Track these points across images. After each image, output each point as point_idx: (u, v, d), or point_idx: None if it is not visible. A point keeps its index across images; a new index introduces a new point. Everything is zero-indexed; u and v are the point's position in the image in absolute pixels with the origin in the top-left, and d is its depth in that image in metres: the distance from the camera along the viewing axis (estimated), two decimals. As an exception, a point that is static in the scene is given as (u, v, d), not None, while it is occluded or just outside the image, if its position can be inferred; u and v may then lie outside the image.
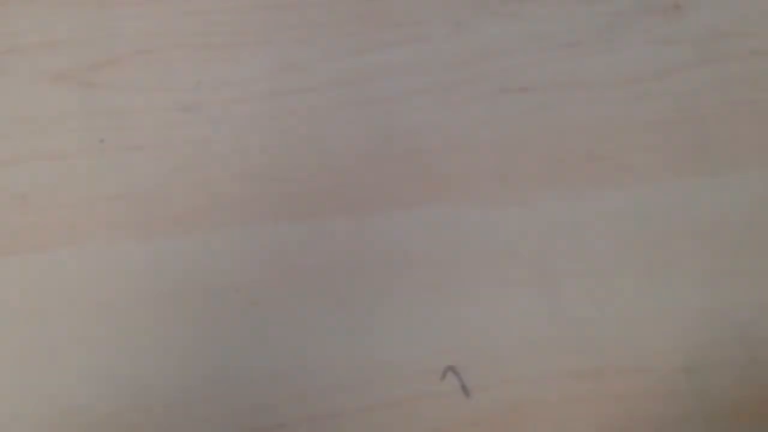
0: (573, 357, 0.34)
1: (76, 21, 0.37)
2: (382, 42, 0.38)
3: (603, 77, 0.38)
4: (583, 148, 0.37)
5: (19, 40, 0.37)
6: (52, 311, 0.34)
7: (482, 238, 0.35)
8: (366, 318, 0.34)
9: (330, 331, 0.34)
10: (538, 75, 0.38)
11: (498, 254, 0.35)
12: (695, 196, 0.36)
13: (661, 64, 0.38)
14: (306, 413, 0.33)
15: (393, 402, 0.33)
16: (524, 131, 0.37)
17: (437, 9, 0.38)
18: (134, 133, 0.36)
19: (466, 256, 0.35)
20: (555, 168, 0.36)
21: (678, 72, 0.38)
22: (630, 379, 0.34)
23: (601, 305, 0.35)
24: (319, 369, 0.34)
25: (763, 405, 0.34)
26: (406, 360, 0.34)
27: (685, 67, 0.38)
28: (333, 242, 0.35)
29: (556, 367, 0.34)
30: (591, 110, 0.37)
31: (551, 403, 0.34)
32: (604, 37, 0.38)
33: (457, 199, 0.36)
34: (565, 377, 0.34)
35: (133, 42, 0.37)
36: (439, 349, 0.34)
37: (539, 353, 0.34)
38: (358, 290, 0.35)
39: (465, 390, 0.33)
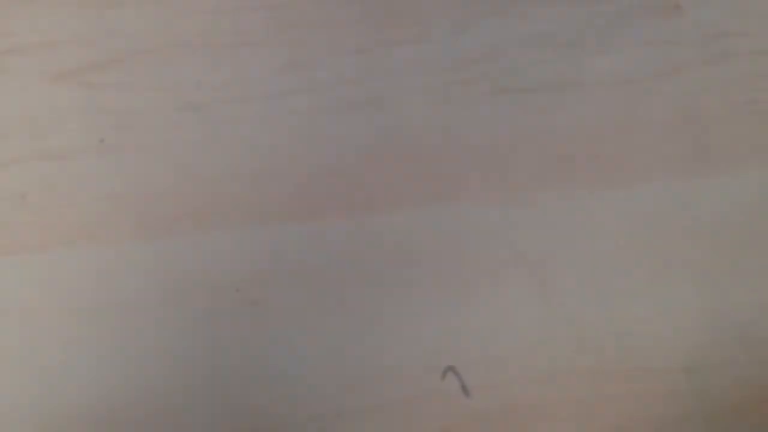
0: (573, 357, 0.34)
1: (76, 21, 0.37)
2: (382, 42, 0.38)
3: (603, 77, 0.38)
4: (583, 148, 0.37)
5: (19, 40, 0.37)
6: (52, 311, 0.34)
7: (482, 238, 0.35)
8: (366, 318, 0.34)
9: (330, 331, 0.34)
10: (538, 75, 0.38)
11: (498, 254, 0.35)
12: (695, 196, 0.36)
13: (661, 64, 0.38)
14: (306, 413, 0.33)
15: (393, 402, 0.33)
16: (524, 131, 0.37)
17: (437, 9, 0.38)
18: (134, 133, 0.36)
19: (466, 256, 0.35)
20: (555, 168, 0.36)
21: (678, 72, 0.38)
22: (630, 379, 0.34)
23: (601, 305, 0.35)
24: (319, 369, 0.34)
25: (763, 405, 0.34)
26: (406, 360, 0.34)
27: (685, 67, 0.38)
28: (333, 242, 0.35)
29: (556, 367, 0.34)
30: (591, 110, 0.37)
31: (551, 403, 0.34)
32: (604, 37, 0.38)
33: (458, 199, 0.36)
34: (565, 377, 0.34)
35: (133, 42, 0.37)
36: (439, 349, 0.34)
37: (539, 353, 0.34)
38: (358, 290, 0.35)
39: (465, 390, 0.33)
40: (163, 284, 0.34)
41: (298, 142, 0.36)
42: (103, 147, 0.36)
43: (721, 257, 0.36)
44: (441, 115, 0.37)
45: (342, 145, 0.36)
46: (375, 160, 0.36)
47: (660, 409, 0.34)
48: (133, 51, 0.37)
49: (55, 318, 0.34)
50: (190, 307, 0.34)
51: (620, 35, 0.38)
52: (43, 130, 0.36)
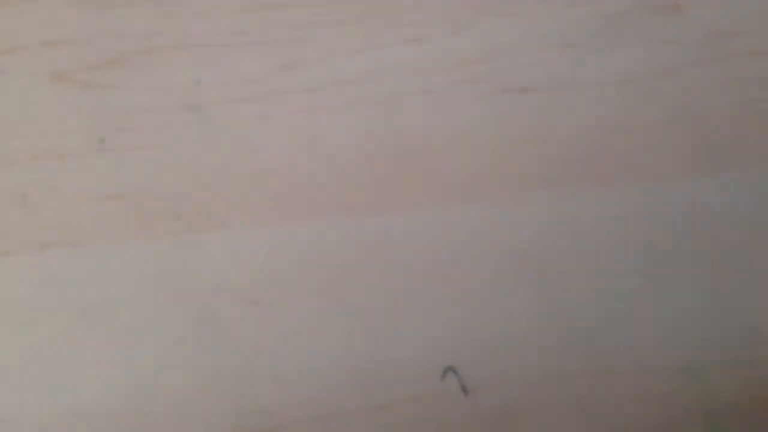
0: (573, 357, 0.34)
1: (76, 21, 0.37)
2: (382, 42, 0.38)
3: (603, 77, 0.38)
4: (583, 148, 0.37)
5: (19, 40, 0.37)
6: (52, 311, 0.34)
7: (482, 238, 0.35)
8: (366, 318, 0.34)
9: (330, 331, 0.34)
10: (538, 75, 0.38)
11: (498, 254, 0.35)
12: (695, 196, 0.36)
13: (661, 64, 0.38)
14: (306, 413, 0.33)
15: (393, 402, 0.33)
16: (524, 131, 0.37)
17: (437, 9, 0.38)
18: (134, 133, 0.36)
19: (466, 256, 0.35)
20: (555, 168, 0.36)
21: (678, 72, 0.38)
22: (630, 379, 0.34)
23: (601, 305, 0.35)
24: (319, 369, 0.34)
25: (763, 405, 0.34)
26: (406, 360, 0.34)
27: (685, 67, 0.38)
28: (333, 242, 0.35)
29: (556, 367, 0.34)
30: (591, 110, 0.37)
31: (551, 403, 0.34)
32: (604, 37, 0.38)
33: (457, 199, 0.36)
34: (565, 377, 0.34)
35: (133, 42, 0.37)
36: (439, 349, 0.34)
37: (539, 353, 0.34)
38: (359, 290, 0.34)
39: (465, 390, 0.33)
40: (163, 284, 0.34)
41: (298, 142, 0.36)
42: (103, 147, 0.36)
43: (722, 257, 0.36)
44: (441, 115, 0.37)
45: (342, 145, 0.36)
46: (375, 160, 0.36)
47: (660, 409, 0.34)
48: (133, 51, 0.37)
49: (55, 318, 0.34)
50: (189, 307, 0.34)
51: (620, 35, 0.38)
52: (43, 130, 0.36)
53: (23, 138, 0.36)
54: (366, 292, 0.34)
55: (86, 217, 0.35)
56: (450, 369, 0.34)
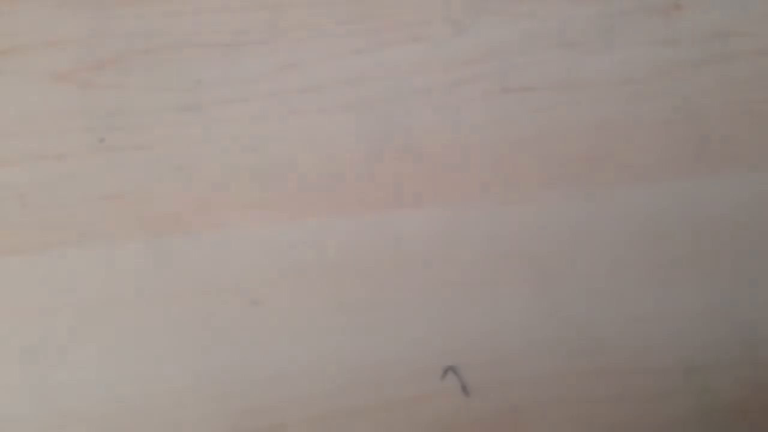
0: (573, 357, 0.34)
1: (76, 21, 0.37)
2: (382, 42, 0.38)
3: (603, 77, 0.38)
4: (583, 148, 0.37)
5: (19, 40, 0.37)
6: (52, 311, 0.34)
7: (482, 238, 0.35)
8: (366, 318, 0.34)
9: (330, 331, 0.34)
10: (538, 75, 0.38)
11: (498, 254, 0.35)
12: (695, 195, 0.36)
13: (661, 64, 0.38)
14: (306, 413, 0.33)
15: (393, 402, 0.33)
16: (524, 131, 0.37)
17: (437, 9, 0.38)
18: (134, 133, 0.36)
19: (466, 256, 0.35)
20: (555, 168, 0.36)
21: (678, 72, 0.38)
22: (630, 379, 0.34)
23: (601, 305, 0.35)
24: (319, 369, 0.34)
25: (763, 405, 0.34)
26: (406, 360, 0.34)
27: (685, 67, 0.38)
28: (333, 242, 0.35)
29: (556, 367, 0.34)
30: (591, 110, 0.37)
31: (551, 403, 0.34)
32: (604, 37, 0.38)
33: (457, 199, 0.36)
34: (565, 377, 0.34)
35: (133, 42, 0.37)
36: (439, 349, 0.34)
37: (539, 353, 0.34)
38: (358, 290, 0.35)
39: (465, 390, 0.33)
40: (163, 284, 0.34)
41: (298, 142, 0.36)
42: (103, 147, 0.36)
43: (722, 257, 0.36)
44: (441, 115, 0.37)
45: (342, 145, 0.36)
46: (375, 160, 0.36)
47: (660, 409, 0.34)
48: (133, 51, 0.37)
49: (55, 318, 0.34)
50: (189, 307, 0.34)
51: (620, 35, 0.38)
52: (43, 130, 0.36)
53: (23, 138, 0.36)
54: (366, 292, 0.34)
55: (86, 217, 0.35)
56: (450, 369, 0.34)
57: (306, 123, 0.36)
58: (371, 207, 0.35)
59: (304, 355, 0.34)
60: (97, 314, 0.34)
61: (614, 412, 0.34)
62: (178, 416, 0.33)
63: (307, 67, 0.37)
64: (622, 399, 0.34)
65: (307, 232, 0.35)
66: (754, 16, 0.39)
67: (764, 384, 0.34)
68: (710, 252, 0.36)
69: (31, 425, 0.33)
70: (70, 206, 0.35)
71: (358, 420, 0.33)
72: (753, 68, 0.38)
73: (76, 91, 0.36)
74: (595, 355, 0.34)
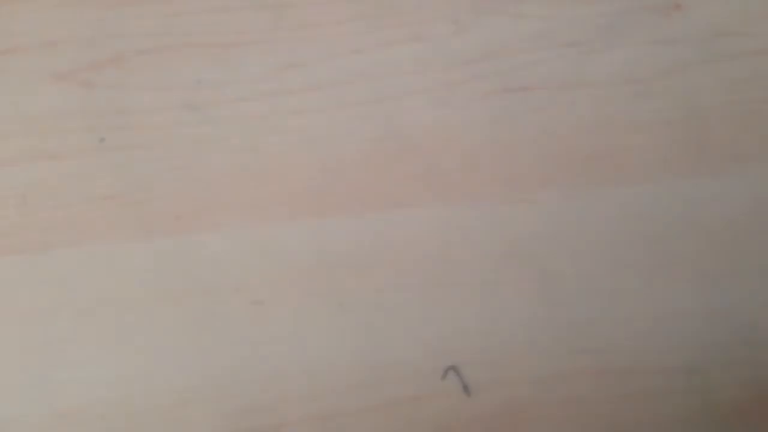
0: (573, 357, 0.34)
1: (76, 21, 0.37)
2: (382, 42, 0.38)
3: (603, 77, 0.38)
4: (583, 148, 0.37)
5: (19, 40, 0.37)
6: (52, 311, 0.34)
7: (482, 238, 0.35)
8: (366, 318, 0.34)
9: (331, 330, 0.34)
10: (538, 75, 0.38)
11: (498, 254, 0.35)
12: (695, 195, 0.36)
13: (661, 64, 0.38)
14: (306, 413, 0.33)
15: (393, 402, 0.33)
16: (524, 131, 0.37)
17: (437, 9, 0.38)
18: (134, 133, 0.36)
19: (466, 256, 0.35)
20: (555, 168, 0.36)
21: (678, 72, 0.38)
22: (630, 379, 0.34)
23: (601, 305, 0.35)
24: (319, 369, 0.34)
25: (764, 405, 0.34)
26: (406, 360, 0.34)
27: (685, 67, 0.38)
28: (333, 242, 0.35)
29: (556, 367, 0.34)
30: (591, 110, 0.37)
31: (551, 403, 0.34)
32: (605, 37, 0.38)
33: (457, 199, 0.36)
34: (565, 377, 0.34)
35: (133, 42, 0.37)
36: (439, 349, 0.34)
37: (539, 353, 0.34)
38: (358, 290, 0.35)
39: (466, 390, 0.33)
40: (162, 284, 0.34)
41: (298, 142, 0.36)
42: (103, 147, 0.36)
43: (722, 257, 0.36)
44: (441, 115, 0.37)
45: (342, 145, 0.36)
46: (375, 160, 0.36)
47: (660, 409, 0.34)
48: (133, 51, 0.37)
49: (56, 318, 0.34)
50: (189, 307, 0.34)
51: (620, 35, 0.38)
52: (43, 130, 0.36)
53: (23, 138, 0.36)
54: (366, 292, 0.34)
55: (86, 217, 0.35)
56: (451, 368, 0.34)
57: (306, 123, 0.36)
58: (371, 207, 0.35)
59: (304, 355, 0.34)
60: (96, 314, 0.34)
61: (614, 412, 0.34)
62: (178, 416, 0.33)
63: (307, 67, 0.37)
64: (622, 399, 0.34)
65: (307, 232, 0.35)
66: (754, 16, 0.39)
67: (764, 384, 0.34)
68: (710, 252, 0.36)
69: (31, 425, 0.33)
70: (70, 206, 0.35)
71: (358, 420, 0.33)
72: (753, 68, 0.38)
73: (76, 91, 0.36)
74: (595, 355, 0.34)
